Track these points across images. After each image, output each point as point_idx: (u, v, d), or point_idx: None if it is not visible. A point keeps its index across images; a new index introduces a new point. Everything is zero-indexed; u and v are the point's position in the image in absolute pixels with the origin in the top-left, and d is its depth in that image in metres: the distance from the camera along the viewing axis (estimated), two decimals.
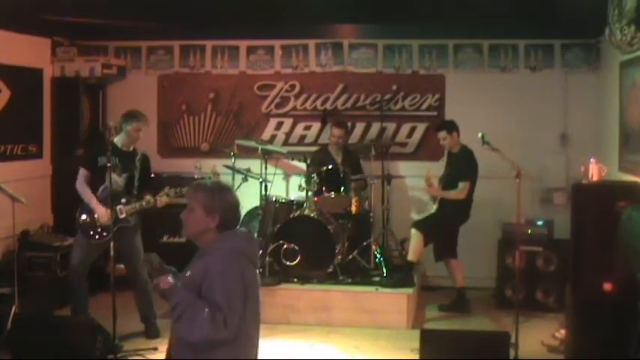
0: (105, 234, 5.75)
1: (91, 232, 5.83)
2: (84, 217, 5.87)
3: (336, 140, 7.49)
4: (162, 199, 5.90)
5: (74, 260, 5.96)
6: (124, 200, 5.87)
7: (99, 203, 5.80)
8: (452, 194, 6.76)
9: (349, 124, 7.74)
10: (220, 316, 2.93)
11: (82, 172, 5.93)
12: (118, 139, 5.99)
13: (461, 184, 6.73)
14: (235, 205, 3.21)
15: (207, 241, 3.14)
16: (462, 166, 6.80)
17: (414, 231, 6.76)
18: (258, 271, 3.30)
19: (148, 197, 5.90)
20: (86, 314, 5.88)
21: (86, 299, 5.99)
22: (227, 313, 2.93)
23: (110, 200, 5.63)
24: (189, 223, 3.15)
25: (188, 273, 3.12)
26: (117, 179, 5.86)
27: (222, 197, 3.15)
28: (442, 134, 6.86)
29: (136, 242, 6.02)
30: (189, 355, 3.05)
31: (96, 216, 5.80)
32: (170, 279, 3.09)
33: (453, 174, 6.86)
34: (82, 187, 5.90)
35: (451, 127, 6.87)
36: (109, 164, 5.54)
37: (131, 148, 6.06)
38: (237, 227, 3.25)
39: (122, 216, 5.84)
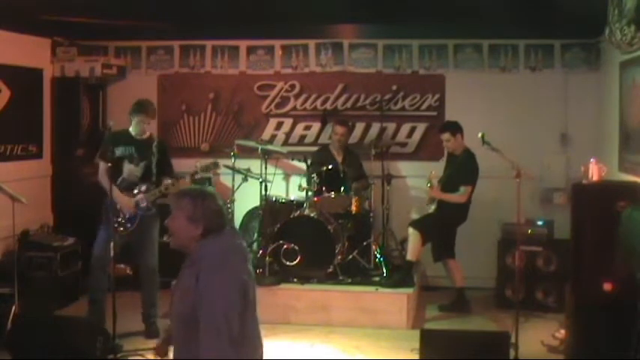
0: (129, 225, 5.77)
1: (116, 225, 5.81)
2: (109, 208, 5.81)
3: (338, 138, 7.47)
4: (180, 183, 5.84)
5: (95, 252, 5.90)
6: (143, 188, 5.87)
7: (121, 193, 5.82)
8: (453, 197, 6.75)
9: (349, 123, 7.74)
10: (215, 336, 2.91)
11: (102, 166, 5.94)
12: (132, 129, 6.02)
13: (462, 188, 6.72)
14: (219, 211, 3.14)
15: (193, 248, 3.11)
16: (464, 170, 6.78)
17: (411, 230, 6.75)
18: (255, 269, 3.28)
19: (168, 181, 5.86)
20: (100, 312, 5.86)
21: (103, 296, 5.91)
22: (224, 327, 2.92)
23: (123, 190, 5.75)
24: (174, 231, 3.13)
25: (178, 291, 3.12)
26: (133, 169, 5.90)
27: (205, 205, 3.10)
28: (446, 136, 6.85)
29: (154, 232, 5.99)
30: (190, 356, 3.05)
31: (119, 207, 5.80)
32: None
33: (453, 176, 6.84)
34: (103, 179, 5.88)
35: (455, 128, 6.85)
36: (109, 164, 5.59)
37: (146, 136, 6.06)
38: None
39: (144, 204, 5.84)
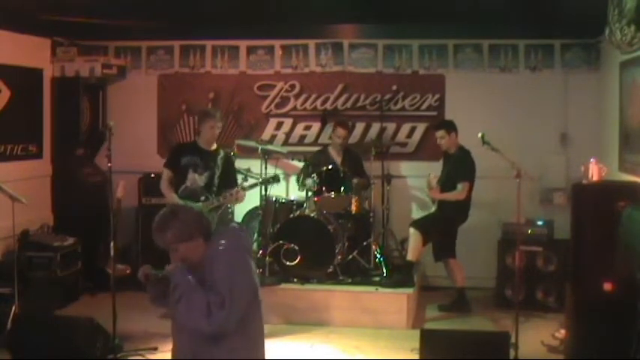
0: None
1: None
2: None
3: (339, 140, 7.45)
4: (240, 193, 5.92)
5: None
6: (202, 198, 5.94)
7: (177, 199, 5.91)
8: (451, 195, 6.75)
9: (349, 124, 7.74)
10: (218, 306, 2.96)
11: (165, 173, 6.12)
12: (199, 140, 6.14)
13: (460, 185, 6.72)
14: (198, 213, 3.21)
15: (202, 254, 3.12)
16: (460, 167, 6.79)
17: (412, 230, 6.76)
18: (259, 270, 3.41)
19: (226, 193, 5.93)
20: None
21: None
22: (228, 301, 2.97)
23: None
24: (184, 259, 3.11)
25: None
26: (197, 178, 6.00)
27: (183, 220, 3.10)
28: (440, 133, 6.85)
29: None
30: (198, 344, 3.10)
31: None
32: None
33: (451, 175, 6.84)
34: (164, 188, 6.09)
35: (450, 126, 6.87)
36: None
37: (213, 147, 6.14)
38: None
39: None
